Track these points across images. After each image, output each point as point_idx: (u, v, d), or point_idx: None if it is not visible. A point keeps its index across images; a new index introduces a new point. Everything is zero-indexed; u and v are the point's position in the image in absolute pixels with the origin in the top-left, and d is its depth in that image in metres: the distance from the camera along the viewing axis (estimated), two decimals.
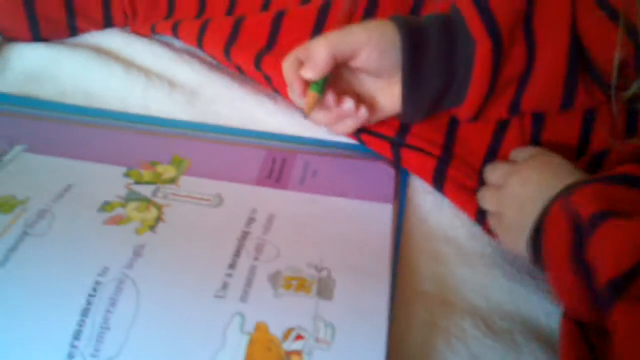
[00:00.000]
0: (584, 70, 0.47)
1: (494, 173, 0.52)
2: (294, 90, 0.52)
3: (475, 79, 0.48)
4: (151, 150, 0.57)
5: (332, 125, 0.54)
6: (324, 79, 0.50)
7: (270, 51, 0.61)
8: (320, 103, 0.52)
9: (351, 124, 0.53)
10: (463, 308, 0.47)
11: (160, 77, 0.65)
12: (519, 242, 0.46)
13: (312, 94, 0.51)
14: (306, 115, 0.52)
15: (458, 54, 0.48)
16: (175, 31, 0.65)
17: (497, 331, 0.46)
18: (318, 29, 0.61)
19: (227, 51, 0.62)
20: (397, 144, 0.56)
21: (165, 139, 0.59)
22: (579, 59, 0.47)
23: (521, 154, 0.51)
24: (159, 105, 0.63)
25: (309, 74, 0.49)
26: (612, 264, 0.33)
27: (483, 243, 0.52)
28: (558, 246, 0.39)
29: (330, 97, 0.51)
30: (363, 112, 0.51)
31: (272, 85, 0.64)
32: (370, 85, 0.53)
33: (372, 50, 0.48)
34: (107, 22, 0.69)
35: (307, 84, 0.51)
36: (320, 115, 0.53)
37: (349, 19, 0.52)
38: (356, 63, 0.50)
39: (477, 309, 0.47)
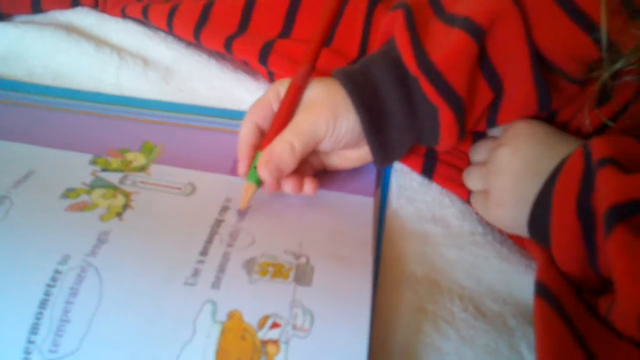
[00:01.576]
0: (550, 74, 0.44)
1: (477, 151, 0.50)
2: (239, 165, 0.48)
3: (443, 135, 0.45)
4: (120, 136, 0.54)
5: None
6: None
7: (241, 35, 0.59)
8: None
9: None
10: (452, 290, 0.45)
11: (134, 54, 0.63)
12: (513, 216, 0.44)
13: (249, 185, 0.46)
14: (240, 209, 0.46)
15: (420, 113, 0.45)
16: (145, 14, 0.63)
17: (487, 314, 0.43)
18: (291, 14, 0.58)
19: (196, 35, 0.60)
20: None
21: (136, 124, 0.56)
22: (542, 69, 0.43)
23: (496, 130, 0.49)
24: (132, 83, 0.61)
25: (264, 172, 0.45)
26: (612, 196, 0.33)
27: (473, 222, 0.50)
28: (568, 189, 0.38)
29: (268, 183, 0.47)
30: (308, 189, 0.47)
31: (250, 67, 0.62)
32: (326, 155, 0.50)
33: (329, 138, 0.45)
34: (75, 4, 0.68)
35: (252, 159, 0.47)
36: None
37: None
38: (315, 150, 0.47)
39: (466, 291, 0.45)
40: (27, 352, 0.35)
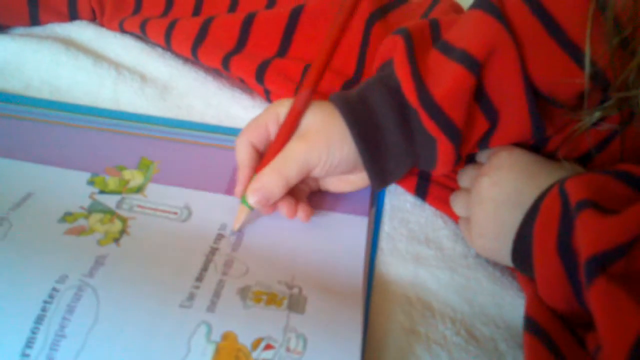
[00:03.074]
0: (543, 101, 0.45)
1: (462, 178, 0.51)
2: (237, 186, 0.48)
3: (440, 163, 0.46)
4: (118, 152, 0.54)
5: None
6: None
7: (238, 53, 0.59)
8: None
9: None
10: (444, 313, 0.45)
11: (131, 70, 0.63)
12: (494, 246, 0.45)
13: (243, 208, 0.47)
14: (234, 229, 0.47)
15: (418, 142, 0.46)
16: (143, 29, 0.64)
17: (479, 338, 0.44)
18: (288, 33, 0.59)
19: (194, 51, 0.61)
20: None
21: (133, 139, 0.56)
22: (537, 100, 0.44)
23: (483, 154, 0.50)
24: (129, 99, 0.61)
25: (252, 200, 0.46)
26: (591, 245, 0.33)
27: (465, 244, 0.50)
28: (547, 231, 0.37)
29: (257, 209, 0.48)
30: (301, 214, 0.48)
31: (247, 86, 0.63)
32: (322, 178, 0.51)
33: (322, 167, 0.46)
34: (73, 16, 0.68)
35: (249, 182, 0.47)
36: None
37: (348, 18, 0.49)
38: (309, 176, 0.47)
39: (459, 314, 0.45)
40: None
